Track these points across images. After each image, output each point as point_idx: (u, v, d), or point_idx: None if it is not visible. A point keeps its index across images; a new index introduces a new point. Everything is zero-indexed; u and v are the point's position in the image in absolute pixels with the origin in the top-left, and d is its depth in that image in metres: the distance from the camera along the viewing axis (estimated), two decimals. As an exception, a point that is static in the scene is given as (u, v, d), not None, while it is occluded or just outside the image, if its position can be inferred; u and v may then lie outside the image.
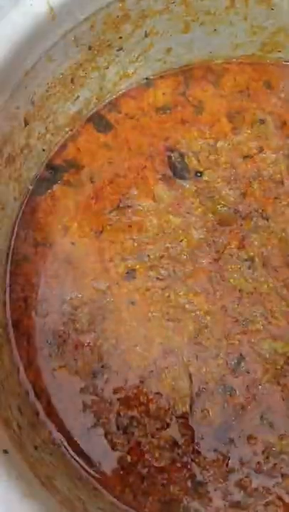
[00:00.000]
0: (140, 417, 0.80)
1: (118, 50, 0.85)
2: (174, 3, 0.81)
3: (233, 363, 0.81)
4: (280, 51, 0.91)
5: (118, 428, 0.80)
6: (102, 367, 0.82)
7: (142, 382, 0.81)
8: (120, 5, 0.77)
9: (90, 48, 0.81)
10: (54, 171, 0.90)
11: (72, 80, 0.83)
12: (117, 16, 0.79)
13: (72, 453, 0.78)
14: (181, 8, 0.82)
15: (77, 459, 0.78)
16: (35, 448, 0.67)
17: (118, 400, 0.81)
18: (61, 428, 0.79)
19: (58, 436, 0.78)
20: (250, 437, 0.80)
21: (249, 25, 0.87)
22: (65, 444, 0.79)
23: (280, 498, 0.76)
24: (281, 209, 0.87)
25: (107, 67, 0.86)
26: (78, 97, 0.86)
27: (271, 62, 0.93)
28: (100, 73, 0.86)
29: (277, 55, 0.91)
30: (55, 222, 0.87)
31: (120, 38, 0.83)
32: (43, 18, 0.71)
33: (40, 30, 0.71)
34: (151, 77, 0.92)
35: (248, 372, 0.81)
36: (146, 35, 0.84)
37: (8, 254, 0.84)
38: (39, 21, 0.71)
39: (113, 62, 0.86)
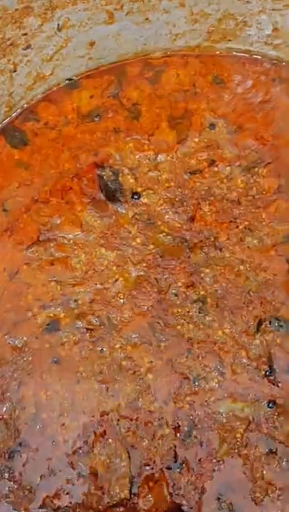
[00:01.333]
0: (69, 506, 0.75)
1: (25, 49, 0.79)
2: (88, -11, 0.75)
3: (182, 431, 0.77)
4: (230, 40, 0.85)
5: (41, 522, 0.74)
6: (20, 445, 0.77)
7: (69, 462, 0.76)
8: (17, -5, 0.71)
9: (-16, 49, 0.74)
10: None
11: None
12: (16, 9, 0.73)
13: None
14: (99, -5, 0.77)
15: None
16: None
17: (41, 486, 0.76)
18: None
19: None
20: (205, 526, 0.74)
21: (188, 12, 0.81)
22: None
23: None
24: (238, 235, 0.83)
25: (14, 70, 0.80)
26: (-20, 107, 0.80)
27: (221, 54, 0.87)
28: (5, 77, 0.80)
29: (227, 45, 0.86)
30: None
31: (25, 34, 0.77)
32: None
33: None
34: (75, 78, 0.87)
35: (202, 444, 0.77)
36: (59, 29, 0.79)
37: None
38: None
39: (21, 63, 0.80)
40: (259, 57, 0.86)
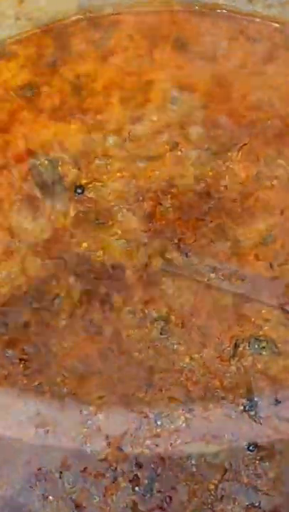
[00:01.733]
0: None
1: None
2: None
3: (142, 484, 0.72)
4: (192, -8, 0.79)
5: None
6: None
7: (3, 526, 0.69)
8: None
9: None
10: None
11: None
12: None
13: None
14: None
15: None
16: None
17: None
18: None
19: None
20: None
21: None
22: None
23: None
24: (208, 236, 0.79)
25: None
26: None
27: (182, 9, 0.84)
28: None
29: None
30: None
31: None
32: None
33: None
34: (1, 44, 0.83)
35: (166, 499, 0.71)
36: (-28, -19, 0.73)
37: None
38: None
39: None
40: (225, 11, 0.82)
